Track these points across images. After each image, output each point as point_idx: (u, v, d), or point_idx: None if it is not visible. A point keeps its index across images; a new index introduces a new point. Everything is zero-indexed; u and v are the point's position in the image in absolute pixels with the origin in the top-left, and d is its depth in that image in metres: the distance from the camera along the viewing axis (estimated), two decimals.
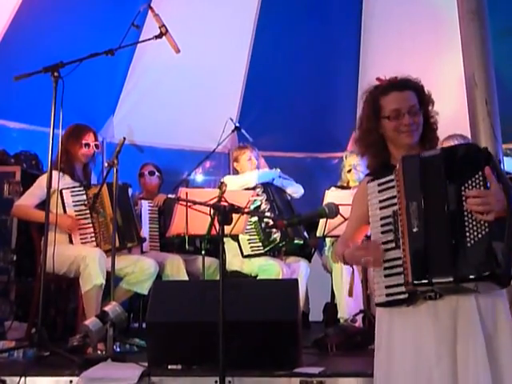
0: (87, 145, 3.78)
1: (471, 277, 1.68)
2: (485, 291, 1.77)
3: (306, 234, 4.28)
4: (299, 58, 5.47)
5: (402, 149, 1.99)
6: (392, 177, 1.88)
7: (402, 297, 1.80)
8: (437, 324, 1.79)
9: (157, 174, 4.58)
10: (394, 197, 1.86)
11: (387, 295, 1.83)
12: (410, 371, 1.82)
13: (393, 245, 1.83)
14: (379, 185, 1.92)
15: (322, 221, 3.82)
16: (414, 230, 1.77)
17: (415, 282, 1.75)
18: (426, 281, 1.74)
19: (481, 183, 1.72)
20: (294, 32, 5.36)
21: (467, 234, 1.70)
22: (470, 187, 1.73)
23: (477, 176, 1.72)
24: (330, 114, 5.72)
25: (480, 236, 1.69)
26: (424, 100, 2.01)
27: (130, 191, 4.08)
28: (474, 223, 1.70)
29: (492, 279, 1.69)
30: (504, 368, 1.75)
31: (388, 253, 1.84)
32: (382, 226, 1.87)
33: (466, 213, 1.72)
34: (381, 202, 1.90)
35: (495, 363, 1.74)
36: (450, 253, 1.72)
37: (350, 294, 3.69)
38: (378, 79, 2.06)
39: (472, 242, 1.69)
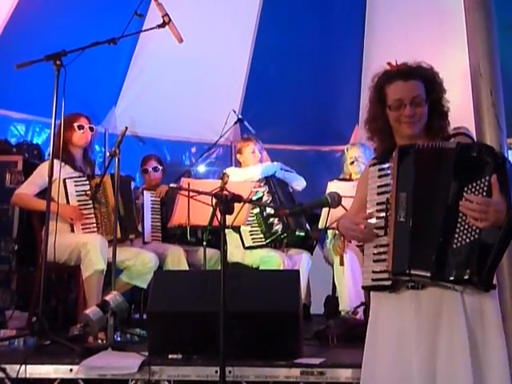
0: (80, 127, 3.75)
1: (450, 278, 1.71)
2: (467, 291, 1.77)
3: (307, 226, 4.27)
4: (302, 51, 5.43)
5: (404, 139, 1.98)
6: (390, 164, 1.89)
7: (386, 283, 1.84)
8: (419, 313, 1.81)
9: (160, 168, 4.57)
10: (389, 184, 1.88)
11: (373, 280, 1.87)
12: (392, 357, 1.84)
13: (383, 232, 1.86)
14: (379, 170, 1.94)
15: (324, 213, 3.81)
16: (400, 219, 1.79)
17: (394, 270, 1.78)
18: (404, 271, 1.77)
19: (484, 189, 1.71)
20: (298, 24, 5.32)
21: (456, 235, 1.71)
22: (473, 190, 1.72)
23: (482, 180, 1.71)
24: (332, 107, 5.69)
25: (468, 240, 1.70)
26: (433, 89, 1.97)
27: (133, 185, 4.07)
28: (466, 226, 1.71)
29: (469, 284, 1.71)
30: (488, 364, 1.75)
31: (379, 238, 1.86)
32: (378, 211, 1.89)
33: (460, 214, 1.72)
34: (379, 187, 1.91)
35: (478, 359, 1.74)
36: (434, 248, 1.73)
37: (341, 263, 3.70)
38: (388, 64, 2.02)
39: (459, 244, 1.71)
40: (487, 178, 1.70)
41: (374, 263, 1.86)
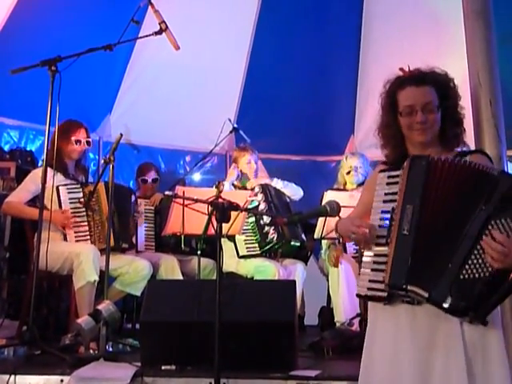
0: (78, 141, 3.70)
1: (444, 306, 1.67)
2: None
3: (303, 236, 4.24)
4: (298, 60, 5.44)
5: (415, 146, 1.94)
6: (400, 172, 1.84)
7: (381, 294, 1.80)
8: (414, 328, 1.78)
9: (158, 179, 4.54)
10: (397, 193, 1.83)
11: (368, 289, 1.82)
12: (387, 371, 1.80)
13: (384, 241, 1.81)
14: (388, 177, 1.88)
15: (319, 223, 3.78)
16: (404, 232, 1.74)
17: (391, 283, 1.74)
18: (401, 285, 1.72)
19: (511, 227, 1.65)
20: (294, 33, 5.33)
21: (467, 266, 1.66)
22: (500, 226, 1.65)
23: None
24: (328, 118, 5.69)
25: (477, 276, 1.65)
26: (447, 95, 1.92)
27: (134, 198, 4.04)
28: (480, 261, 1.65)
29: (464, 316, 1.68)
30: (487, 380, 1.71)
31: (379, 247, 1.82)
32: (381, 219, 1.84)
33: (478, 246, 1.65)
34: (386, 194, 1.86)
35: (474, 376, 1.70)
36: (440, 272, 1.68)
37: (336, 264, 3.67)
38: (401, 69, 1.98)
39: (466, 276, 1.66)
40: None
41: (371, 272, 1.82)
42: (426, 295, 1.68)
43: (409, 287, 1.71)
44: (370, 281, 1.82)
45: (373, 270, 1.82)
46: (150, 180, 4.49)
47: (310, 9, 5.19)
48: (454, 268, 1.67)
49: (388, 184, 1.87)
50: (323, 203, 2.09)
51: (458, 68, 4.34)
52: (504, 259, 1.62)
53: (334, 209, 2.03)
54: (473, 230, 1.68)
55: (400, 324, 1.80)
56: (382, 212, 1.84)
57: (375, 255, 1.83)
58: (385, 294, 1.79)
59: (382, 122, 2.00)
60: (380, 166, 1.99)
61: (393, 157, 1.98)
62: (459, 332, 1.72)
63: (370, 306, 1.94)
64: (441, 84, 1.93)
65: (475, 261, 1.66)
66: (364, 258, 1.87)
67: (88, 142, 3.78)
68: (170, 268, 3.86)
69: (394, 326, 1.82)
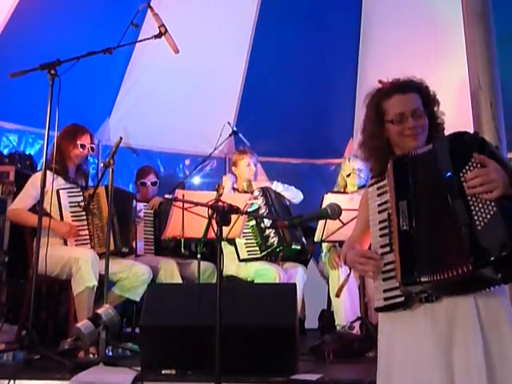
0: (83, 146, 3.74)
1: (491, 258, 1.59)
2: (509, 279, 1.68)
3: (303, 239, 4.23)
4: (297, 64, 5.44)
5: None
6: (386, 180, 1.87)
7: (398, 300, 1.77)
8: (435, 330, 1.75)
9: (158, 182, 4.54)
10: (389, 201, 1.84)
11: (385, 299, 1.80)
12: (411, 379, 1.77)
13: (388, 248, 1.80)
14: (378, 188, 1.91)
15: (320, 226, 3.77)
16: (403, 228, 1.75)
17: (404, 281, 1.72)
18: (415, 279, 1.69)
19: (478, 166, 1.68)
20: (293, 37, 5.33)
21: (475, 217, 1.64)
22: (467, 171, 1.69)
23: (472, 161, 1.69)
24: (327, 121, 5.69)
25: (489, 216, 1.62)
26: (428, 101, 1.97)
27: (135, 203, 4.03)
28: (481, 205, 1.64)
29: None
30: (503, 376, 1.69)
31: (385, 256, 1.81)
32: (380, 229, 1.85)
33: (469, 197, 1.66)
34: (379, 205, 1.88)
35: (493, 372, 1.68)
36: (462, 239, 1.64)
37: (338, 294, 3.65)
38: (380, 82, 2.02)
39: (483, 223, 1.62)
40: (475, 155, 1.68)
41: (383, 282, 1.80)
42: (470, 267, 1.60)
43: (422, 278, 1.68)
44: (384, 291, 1.80)
45: (384, 279, 1.80)
46: (149, 183, 4.48)
47: (309, 14, 5.20)
48: (468, 228, 1.64)
49: (379, 195, 1.89)
50: (324, 206, 2.08)
51: (456, 71, 4.40)
52: (494, 185, 1.64)
53: (336, 212, 2.02)
54: (455, 192, 1.69)
55: (419, 328, 1.78)
56: (380, 222, 1.85)
57: (383, 265, 1.81)
58: (402, 299, 1.76)
59: (366, 133, 2.02)
60: (369, 183, 2.01)
61: (378, 169, 1.99)
62: (476, 320, 1.72)
63: (383, 317, 1.89)
64: (423, 91, 1.97)
65: (477, 208, 1.64)
66: None
67: (92, 148, 3.81)
68: (170, 272, 3.84)
69: (413, 335, 1.79)
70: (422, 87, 1.98)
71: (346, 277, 3.62)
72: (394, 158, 1.89)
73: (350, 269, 3.54)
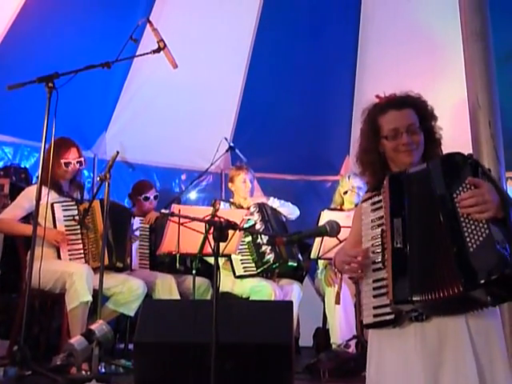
0: (67, 164, 3.64)
1: (481, 281, 1.58)
2: (496, 302, 1.70)
3: (300, 256, 4.20)
4: (294, 81, 5.46)
5: (402, 168, 1.94)
6: (382, 196, 1.86)
7: (388, 317, 1.76)
8: (425, 348, 1.74)
9: (158, 195, 4.53)
10: (383, 216, 1.84)
11: (374, 316, 1.79)
12: None
13: (380, 265, 1.79)
14: (372, 204, 1.90)
15: (316, 242, 3.75)
16: (397, 246, 1.74)
17: (396, 299, 1.70)
18: (406, 298, 1.68)
19: (472, 188, 1.68)
20: (290, 55, 5.35)
21: (468, 239, 1.63)
22: (462, 193, 1.68)
23: (466, 182, 1.69)
24: (323, 138, 5.70)
25: (481, 239, 1.62)
26: (425, 116, 1.96)
27: (133, 220, 4.00)
28: (473, 227, 1.64)
29: (503, 281, 1.59)
30: None
31: (376, 273, 1.80)
32: (373, 245, 1.84)
33: (462, 218, 1.66)
34: (373, 221, 1.87)
35: None
36: (452, 261, 1.63)
37: (337, 301, 3.62)
38: (377, 96, 2.02)
39: (474, 245, 1.62)
40: (469, 177, 1.69)
41: (374, 299, 1.79)
42: (461, 288, 1.60)
43: (414, 298, 1.67)
44: (374, 307, 1.78)
45: (375, 296, 1.79)
46: (151, 197, 4.47)
47: (306, 29, 5.22)
48: (460, 249, 1.63)
49: (373, 211, 1.88)
50: (322, 223, 2.06)
51: (453, 89, 4.42)
52: (487, 206, 1.64)
53: (334, 229, 2.00)
54: (448, 213, 1.69)
55: (408, 348, 1.76)
56: (372, 238, 1.84)
57: (374, 281, 1.80)
58: (392, 317, 1.75)
59: (362, 148, 2.02)
60: (363, 197, 2.01)
61: (373, 184, 1.99)
62: (467, 337, 1.71)
63: (372, 334, 1.88)
64: (419, 106, 1.96)
65: (470, 229, 1.64)
66: (364, 288, 1.84)
67: (80, 163, 3.71)
68: (168, 288, 3.80)
69: (402, 352, 1.77)
70: (418, 102, 1.98)
71: (339, 282, 3.60)
72: (390, 174, 1.89)
73: (342, 274, 3.52)
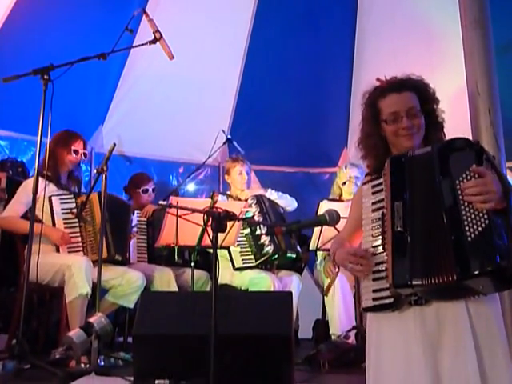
0: (76, 152, 3.72)
1: (475, 272, 1.58)
2: (489, 291, 1.68)
3: (298, 247, 4.19)
4: (292, 72, 5.44)
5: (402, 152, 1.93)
6: (382, 178, 1.84)
7: (387, 301, 1.75)
8: (424, 334, 1.73)
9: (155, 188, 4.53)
10: (383, 200, 1.82)
11: (374, 299, 1.78)
12: (401, 380, 1.75)
13: (381, 248, 1.78)
14: (373, 187, 1.88)
15: (315, 234, 3.74)
16: (398, 229, 1.72)
17: (395, 283, 1.69)
18: (406, 282, 1.67)
19: (476, 176, 1.67)
20: (287, 46, 5.33)
21: (466, 227, 1.62)
22: (465, 180, 1.67)
23: (470, 169, 1.67)
24: (321, 129, 5.69)
25: (480, 229, 1.61)
26: (427, 99, 1.94)
27: (132, 216, 3.99)
28: (473, 216, 1.63)
29: (497, 273, 1.59)
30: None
31: (377, 256, 1.78)
32: (373, 228, 1.82)
33: (463, 206, 1.65)
34: (373, 203, 1.86)
35: (485, 378, 1.67)
36: (450, 249, 1.63)
37: (326, 293, 3.61)
38: (377, 80, 2.00)
39: (472, 235, 1.61)
40: (473, 165, 1.67)
41: (373, 282, 1.78)
42: (455, 277, 1.60)
43: (414, 282, 1.66)
44: (373, 291, 1.77)
45: (374, 279, 1.78)
46: (150, 190, 4.47)
47: (304, 20, 5.20)
48: (459, 237, 1.63)
49: (373, 193, 1.86)
50: (322, 212, 2.05)
51: (451, 78, 4.40)
52: (490, 197, 1.62)
53: (334, 218, 1.99)
54: (449, 199, 1.68)
55: (408, 332, 1.75)
56: (373, 221, 1.83)
57: (374, 264, 1.79)
58: (391, 300, 1.74)
59: (363, 132, 2.00)
60: (363, 180, 1.99)
61: (374, 167, 1.97)
62: (467, 320, 1.71)
63: (371, 318, 1.87)
64: (420, 89, 1.94)
65: (469, 218, 1.63)
66: None
67: (85, 154, 3.81)
68: (166, 280, 3.79)
69: (402, 335, 1.77)
70: (419, 85, 1.95)
71: (334, 275, 3.59)
72: (392, 157, 1.87)
73: (339, 267, 3.51)
